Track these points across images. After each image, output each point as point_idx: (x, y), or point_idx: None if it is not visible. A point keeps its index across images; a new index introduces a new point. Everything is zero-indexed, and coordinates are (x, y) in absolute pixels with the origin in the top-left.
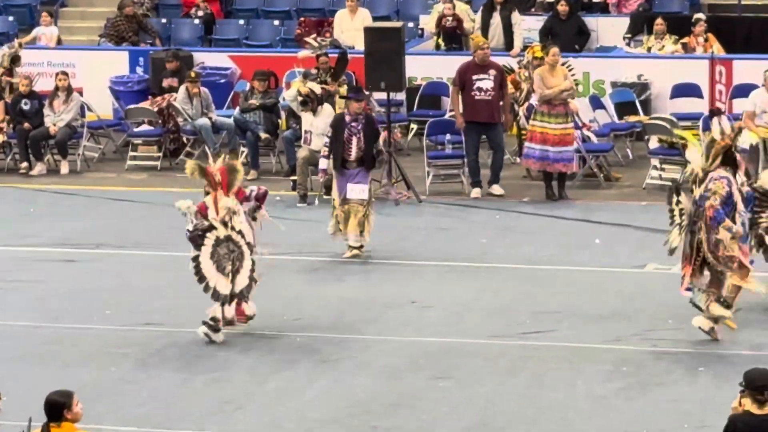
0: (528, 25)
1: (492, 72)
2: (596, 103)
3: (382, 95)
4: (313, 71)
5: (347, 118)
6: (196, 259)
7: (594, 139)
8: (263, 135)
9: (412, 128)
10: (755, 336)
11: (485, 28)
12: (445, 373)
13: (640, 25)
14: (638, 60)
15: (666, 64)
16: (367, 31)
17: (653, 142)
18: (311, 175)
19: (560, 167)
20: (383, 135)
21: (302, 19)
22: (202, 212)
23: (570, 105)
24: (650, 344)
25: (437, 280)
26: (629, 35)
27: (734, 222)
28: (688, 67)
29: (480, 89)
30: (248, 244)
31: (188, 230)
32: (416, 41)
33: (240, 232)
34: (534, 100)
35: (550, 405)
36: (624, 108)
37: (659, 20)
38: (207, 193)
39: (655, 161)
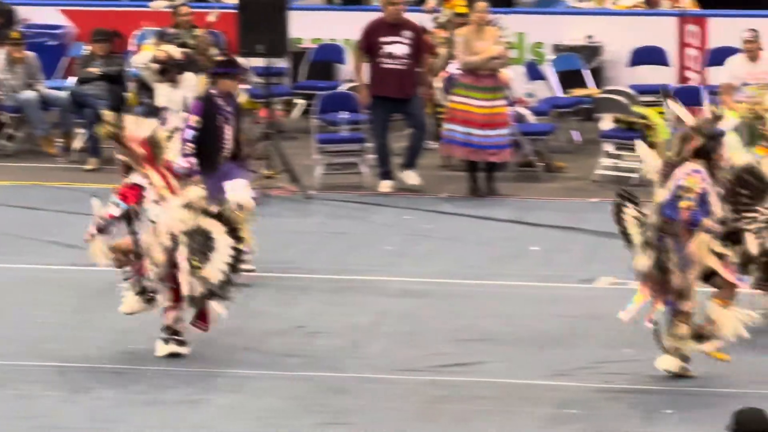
0: None
1: (407, 33)
2: (534, 73)
3: (259, 62)
4: (171, 30)
5: (218, 100)
6: None
7: (531, 118)
8: (106, 112)
9: (297, 104)
10: (737, 369)
11: None
12: (340, 418)
13: None
14: (588, 17)
15: (623, 22)
16: None
17: (606, 123)
18: None
19: (488, 155)
20: (263, 112)
21: None
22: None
23: (501, 76)
24: (602, 380)
25: (330, 299)
26: None
27: None
28: (651, 27)
29: (391, 55)
30: None
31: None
32: None
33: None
34: (454, 68)
35: None
36: (569, 79)
37: None
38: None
39: (608, 147)
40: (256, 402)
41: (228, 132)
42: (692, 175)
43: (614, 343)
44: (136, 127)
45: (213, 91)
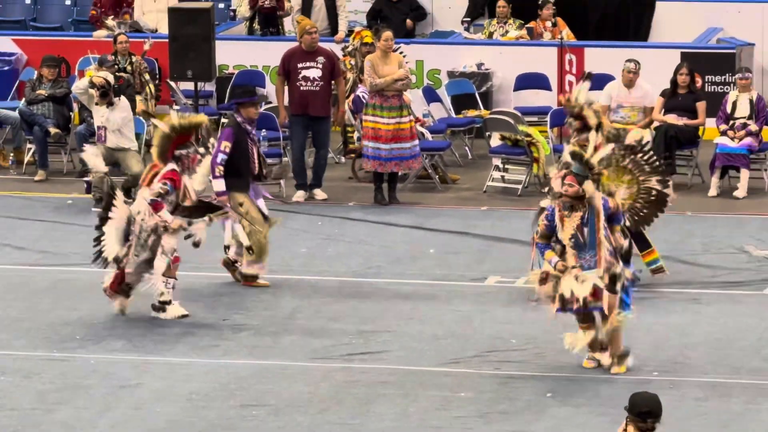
0: (354, 7)
1: (321, 59)
2: (431, 96)
3: (189, 85)
4: (110, 57)
5: (245, 125)
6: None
7: (428, 135)
8: (53, 130)
9: (223, 123)
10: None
11: (307, 11)
12: (260, 400)
13: (481, 7)
14: (478, 47)
15: (509, 51)
16: (172, 12)
17: (495, 140)
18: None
19: (393, 167)
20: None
21: None
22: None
23: (405, 96)
24: (492, 367)
25: (252, 295)
26: (468, 19)
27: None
28: (534, 56)
29: (306, 79)
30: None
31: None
32: (228, 24)
33: None
34: (360, 91)
35: None
36: (462, 101)
37: (501, 2)
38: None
39: (497, 161)
40: (185, 386)
41: (254, 154)
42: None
43: (502, 335)
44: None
45: (239, 119)
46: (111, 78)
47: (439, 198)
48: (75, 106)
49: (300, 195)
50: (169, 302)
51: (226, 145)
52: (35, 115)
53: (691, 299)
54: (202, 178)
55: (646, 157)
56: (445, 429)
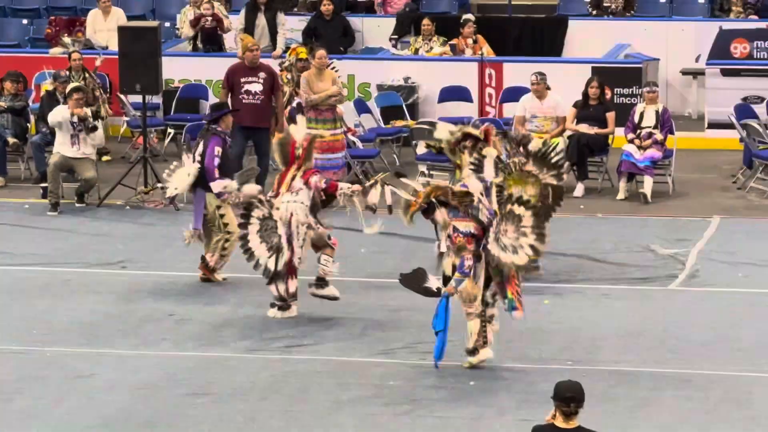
0: (291, 25)
1: (262, 75)
2: (361, 107)
3: (138, 98)
4: (64, 72)
5: (225, 136)
6: (244, 237)
7: (359, 144)
8: (11, 140)
9: (170, 133)
10: (529, 348)
11: (249, 29)
12: (204, 389)
13: (407, 25)
14: (405, 62)
15: (434, 66)
16: (122, 30)
17: (421, 148)
18: (63, 181)
19: (329, 175)
20: (140, 140)
21: (53, 18)
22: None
23: (337, 109)
24: (418, 358)
25: (196, 292)
26: (396, 36)
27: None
28: (456, 70)
29: (249, 92)
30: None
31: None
32: (173, 42)
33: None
34: (296, 103)
35: (313, 422)
36: (390, 112)
37: (426, 21)
38: None
39: (422, 167)
40: (135, 376)
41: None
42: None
43: (429, 328)
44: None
45: (219, 129)
46: (88, 111)
47: None
48: (32, 117)
49: None
50: (326, 282)
51: (218, 151)
52: None
53: (602, 294)
54: None
55: (544, 156)
56: (377, 416)
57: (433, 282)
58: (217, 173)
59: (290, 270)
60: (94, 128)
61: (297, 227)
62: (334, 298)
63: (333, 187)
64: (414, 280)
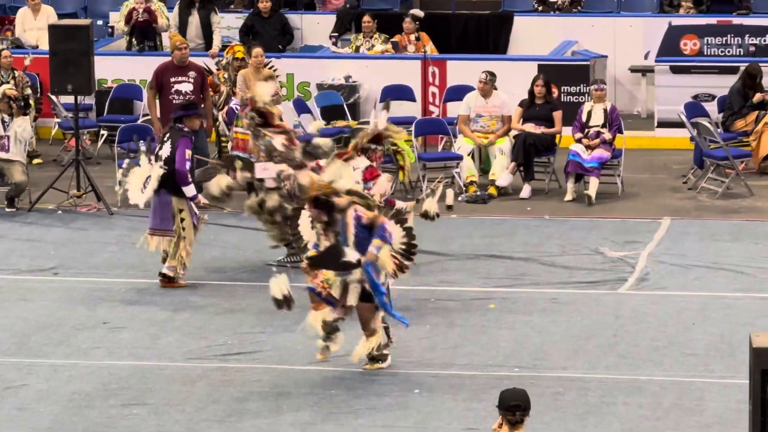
0: (227, 23)
1: (192, 74)
2: (301, 107)
3: (69, 99)
4: None
5: (191, 136)
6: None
7: None
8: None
9: (103, 134)
10: (475, 355)
11: (183, 28)
12: (140, 399)
13: (348, 22)
14: (346, 60)
15: (376, 64)
16: (52, 29)
17: None
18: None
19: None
20: (72, 142)
21: None
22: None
23: (274, 110)
24: (361, 366)
25: (131, 298)
26: (336, 34)
27: None
28: (399, 68)
29: (179, 92)
30: None
31: None
32: (106, 40)
33: None
34: (233, 103)
35: None
36: (331, 112)
37: (367, 17)
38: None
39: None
40: (67, 387)
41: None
42: None
43: None
44: None
45: (186, 129)
46: (14, 90)
47: None
48: None
49: None
50: None
51: (189, 154)
52: None
53: (550, 299)
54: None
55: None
56: (318, 425)
57: (351, 254)
58: (190, 177)
59: None
60: (27, 105)
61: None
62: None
63: (391, 203)
64: (329, 258)
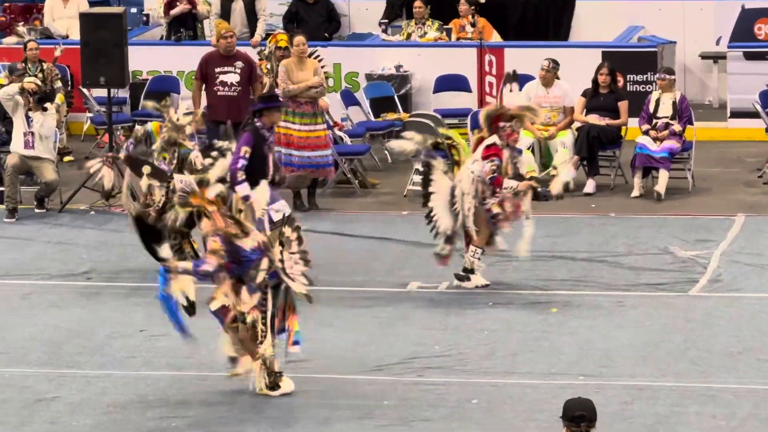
0: (270, 10)
1: (239, 64)
2: (349, 99)
3: (102, 92)
4: (20, 65)
5: (264, 132)
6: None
7: (347, 140)
8: None
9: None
10: (536, 363)
11: (226, 15)
12: (179, 412)
13: (399, 8)
14: (396, 49)
15: (428, 53)
16: (83, 17)
17: None
18: (21, 185)
19: (309, 173)
20: (105, 138)
21: (7, 4)
22: None
23: (320, 103)
24: (415, 374)
25: None
26: (386, 20)
27: None
28: (454, 57)
29: (224, 84)
30: None
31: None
32: (141, 29)
33: None
34: None
35: None
36: (381, 104)
37: (419, 2)
38: None
39: (417, 165)
40: (102, 399)
41: (270, 159)
42: None
43: (425, 341)
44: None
45: (259, 124)
46: (39, 83)
47: (359, 203)
48: None
49: None
50: (472, 271)
51: (246, 151)
52: None
53: (616, 302)
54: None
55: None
56: None
57: (165, 250)
58: (240, 176)
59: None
60: (44, 99)
61: (461, 195)
62: (484, 285)
63: (498, 183)
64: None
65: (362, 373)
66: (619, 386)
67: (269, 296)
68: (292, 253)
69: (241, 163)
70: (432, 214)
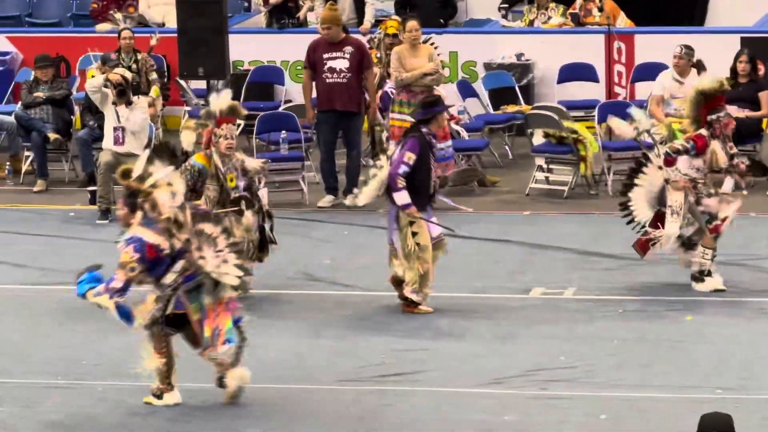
0: None
1: (348, 49)
2: (467, 91)
3: (201, 84)
4: (113, 55)
5: (430, 138)
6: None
7: (465, 134)
8: (52, 135)
9: (239, 124)
10: (670, 374)
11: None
12: (285, 426)
13: None
14: (517, 36)
15: (552, 39)
16: (181, 4)
17: (537, 138)
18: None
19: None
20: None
21: None
22: None
23: (435, 93)
24: (538, 387)
25: (272, 313)
26: (506, 5)
27: None
28: (579, 44)
29: (333, 70)
30: None
31: None
32: (242, 16)
33: None
34: (388, 87)
35: None
36: (501, 95)
37: None
38: None
39: (540, 161)
40: (200, 412)
41: (434, 171)
42: None
43: (549, 351)
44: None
45: (425, 129)
46: (128, 75)
47: (478, 202)
48: (76, 109)
49: (328, 200)
50: (708, 273)
51: (410, 157)
52: (33, 119)
53: (757, 309)
54: None
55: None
56: None
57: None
58: (401, 183)
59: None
60: (124, 93)
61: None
62: (721, 290)
63: (668, 162)
64: None
65: (480, 386)
66: (761, 400)
67: (171, 301)
68: (219, 251)
69: (403, 169)
70: (629, 204)
